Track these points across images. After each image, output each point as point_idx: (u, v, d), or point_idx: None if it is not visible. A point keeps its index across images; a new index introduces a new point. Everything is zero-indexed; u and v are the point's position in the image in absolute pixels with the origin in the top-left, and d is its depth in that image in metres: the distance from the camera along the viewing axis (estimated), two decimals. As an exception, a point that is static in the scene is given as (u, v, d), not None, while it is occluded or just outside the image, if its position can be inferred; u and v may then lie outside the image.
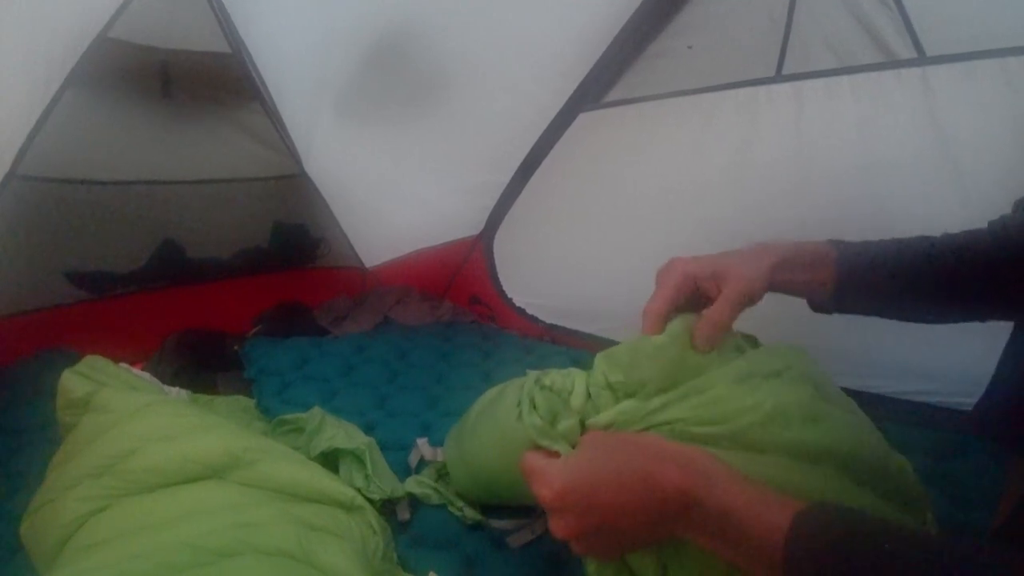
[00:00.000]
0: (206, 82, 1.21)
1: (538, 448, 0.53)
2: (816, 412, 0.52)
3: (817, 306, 0.61)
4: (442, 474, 0.84)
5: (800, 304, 0.64)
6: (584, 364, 1.29)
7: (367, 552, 0.65)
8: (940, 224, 0.92)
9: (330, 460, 0.84)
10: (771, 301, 0.59)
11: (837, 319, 0.63)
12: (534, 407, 0.58)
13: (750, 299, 0.54)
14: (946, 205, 0.94)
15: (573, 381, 0.62)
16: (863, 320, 0.63)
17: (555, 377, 0.64)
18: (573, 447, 0.52)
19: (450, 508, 0.78)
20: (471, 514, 0.76)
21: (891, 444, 0.85)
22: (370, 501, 0.74)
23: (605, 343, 1.38)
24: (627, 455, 0.44)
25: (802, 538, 0.35)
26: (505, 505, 0.77)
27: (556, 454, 0.51)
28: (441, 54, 1.23)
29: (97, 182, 1.21)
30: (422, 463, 0.89)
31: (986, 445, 0.78)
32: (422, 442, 0.92)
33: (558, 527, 0.45)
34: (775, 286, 0.55)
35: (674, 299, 0.56)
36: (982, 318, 0.60)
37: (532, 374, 0.65)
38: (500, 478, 0.70)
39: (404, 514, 0.77)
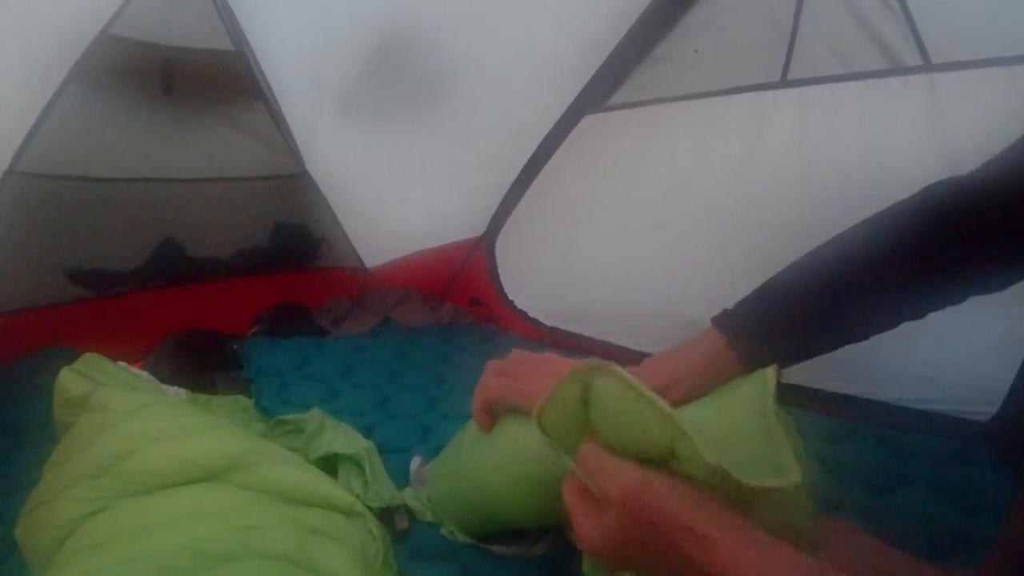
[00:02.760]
0: (208, 80, 1.21)
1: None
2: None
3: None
4: None
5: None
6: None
7: (367, 558, 0.64)
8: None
9: (329, 464, 0.83)
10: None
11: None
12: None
13: None
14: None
15: None
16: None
17: None
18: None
19: (443, 530, 0.75)
20: (463, 537, 0.73)
21: (896, 452, 0.86)
22: (369, 508, 0.73)
23: (606, 346, 1.39)
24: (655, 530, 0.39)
25: None
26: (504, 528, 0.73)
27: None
28: (444, 55, 1.23)
29: (97, 179, 1.20)
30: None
31: (994, 458, 0.78)
32: (415, 464, 0.86)
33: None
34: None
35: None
36: (955, 298, 0.54)
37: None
38: (505, 500, 0.65)
39: (403, 523, 0.76)
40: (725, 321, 0.55)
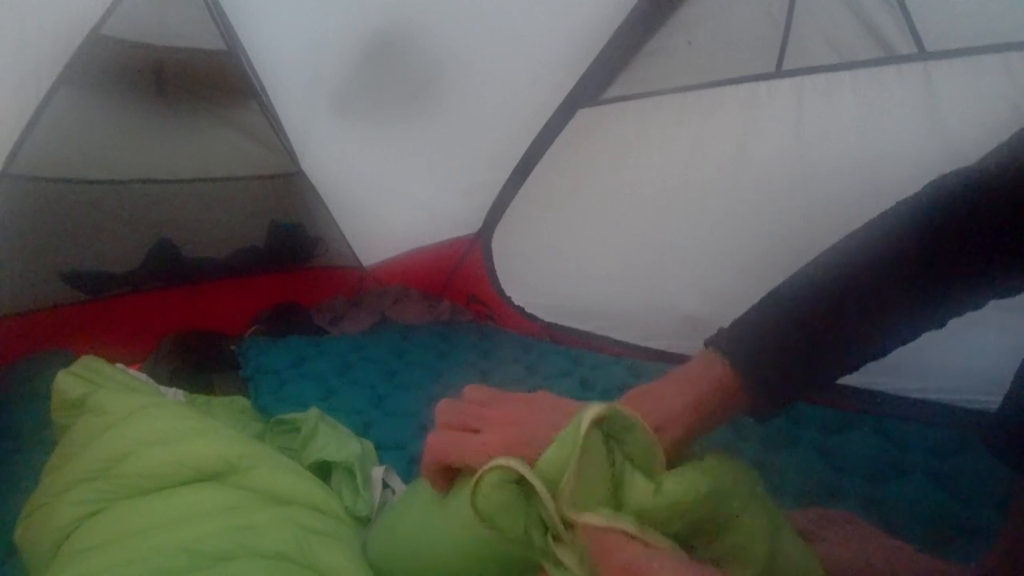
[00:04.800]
0: (201, 80, 1.20)
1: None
2: None
3: (759, 416, 0.46)
4: None
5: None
6: (583, 362, 1.27)
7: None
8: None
9: (324, 466, 0.82)
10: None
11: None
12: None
13: None
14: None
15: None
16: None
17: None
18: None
19: None
20: None
21: (894, 442, 0.86)
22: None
23: (604, 341, 1.39)
24: None
25: None
26: None
27: None
28: (438, 52, 1.22)
29: (91, 181, 1.20)
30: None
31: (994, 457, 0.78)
32: (377, 473, 0.79)
33: None
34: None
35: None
36: (974, 302, 0.47)
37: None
38: None
39: None
40: (724, 342, 0.45)
